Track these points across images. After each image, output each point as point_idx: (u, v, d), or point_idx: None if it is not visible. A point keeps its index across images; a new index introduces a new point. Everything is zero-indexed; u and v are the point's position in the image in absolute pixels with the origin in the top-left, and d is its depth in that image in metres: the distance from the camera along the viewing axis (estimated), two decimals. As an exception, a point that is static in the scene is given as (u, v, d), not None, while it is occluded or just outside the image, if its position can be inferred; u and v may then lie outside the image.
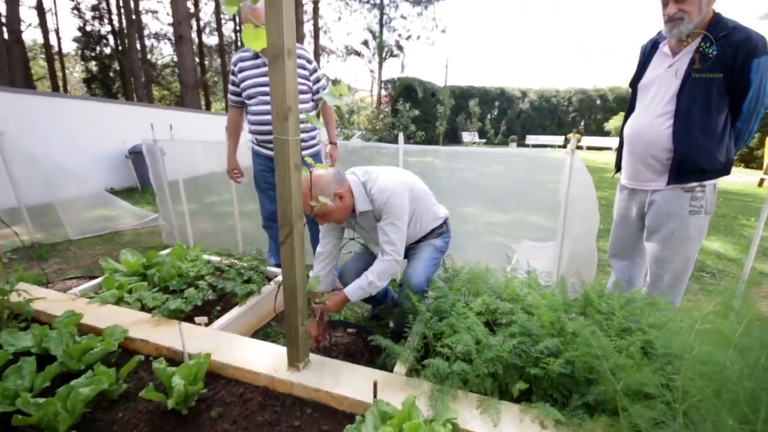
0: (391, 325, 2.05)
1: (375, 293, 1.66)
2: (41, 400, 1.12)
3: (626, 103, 1.91)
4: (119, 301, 1.90)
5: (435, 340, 1.40)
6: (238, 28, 21.53)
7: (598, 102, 19.99)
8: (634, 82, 1.80)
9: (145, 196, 5.87)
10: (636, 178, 1.76)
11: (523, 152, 3.23)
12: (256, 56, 2.20)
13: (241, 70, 2.22)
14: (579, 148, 2.33)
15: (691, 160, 1.55)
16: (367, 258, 1.89)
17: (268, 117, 2.21)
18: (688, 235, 1.63)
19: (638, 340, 1.13)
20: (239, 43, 22.09)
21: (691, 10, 1.50)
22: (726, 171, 1.58)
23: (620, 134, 1.89)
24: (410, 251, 1.85)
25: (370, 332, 1.84)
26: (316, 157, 2.43)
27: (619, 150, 1.94)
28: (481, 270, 1.75)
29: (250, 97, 2.24)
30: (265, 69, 2.19)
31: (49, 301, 1.85)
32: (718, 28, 1.48)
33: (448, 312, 1.44)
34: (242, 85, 2.23)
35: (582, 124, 20.25)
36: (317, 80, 2.33)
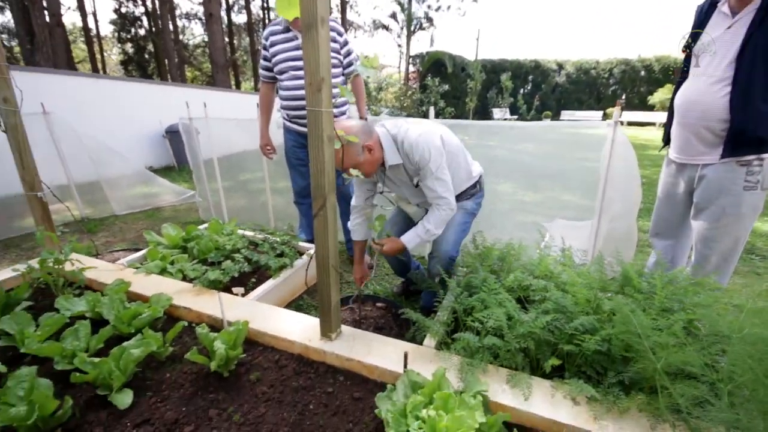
0: (421, 301, 2.07)
1: (430, 240, 1.71)
2: (96, 360, 1.22)
3: (676, 72, 1.78)
4: (163, 272, 2.01)
5: (465, 314, 1.40)
6: (265, 5, 21.44)
7: (643, 73, 18.71)
8: (688, 47, 1.66)
9: (181, 174, 6.10)
10: (686, 152, 1.65)
11: (558, 125, 3.09)
12: (287, 30, 2.19)
13: (272, 45, 2.22)
14: (620, 122, 2.18)
15: (750, 130, 1.43)
16: (401, 225, 1.94)
17: (300, 92, 2.21)
18: (741, 213, 1.53)
19: (681, 320, 1.09)
20: (267, 20, 22.03)
21: None
22: None
23: (670, 105, 1.77)
24: None
25: (399, 307, 1.87)
26: None
27: (668, 122, 1.81)
28: (514, 247, 1.73)
29: (281, 72, 2.24)
30: (297, 43, 2.18)
31: (100, 270, 1.99)
32: None
33: (479, 287, 1.43)
34: (274, 59, 2.23)
35: (623, 97, 19.07)
36: (348, 53, 2.30)
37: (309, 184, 2.44)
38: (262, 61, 2.31)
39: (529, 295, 1.42)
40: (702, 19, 1.60)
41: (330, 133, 1.18)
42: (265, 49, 2.27)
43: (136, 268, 2.02)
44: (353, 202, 1.90)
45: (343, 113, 2.41)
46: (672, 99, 1.74)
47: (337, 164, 1.44)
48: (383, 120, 1.72)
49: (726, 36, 1.48)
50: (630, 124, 16.60)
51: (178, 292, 1.75)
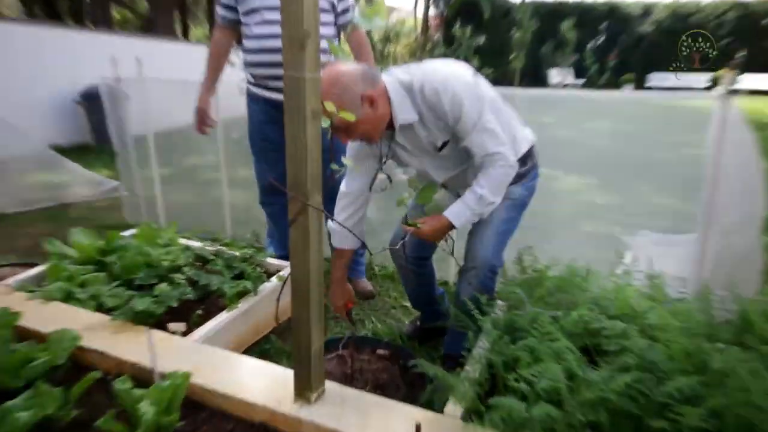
0: (444, 347, 2.07)
1: (489, 211, 1.74)
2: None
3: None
4: (68, 298, 2.01)
5: (506, 370, 1.39)
6: None
7: None
8: None
9: (101, 156, 6.16)
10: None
11: (645, 98, 3.10)
12: None
13: None
14: (735, 91, 2.16)
15: None
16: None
17: (276, 42, 2.21)
18: None
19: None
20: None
21: None
22: None
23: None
24: None
25: (410, 355, 1.86)
26: None
27: None
28: (579, 271, 1.72)
29: (249, 12, 2.27)
30: None
31: (-21, 294, 2.00)
32: None
33: (527, 330, 1.43)
34: None
35: (740, 55, 19.08)
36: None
37: (280, 178, 2.46)
38: None
39: (600, 344, 1.41)
40: None
41: (315, 107, 1.18)
42: None
43: (30, 291, 2.03)
44: (342, 187, 1.90)
45: None
46: None
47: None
48: (391, 69, 1.70)
49: None
50: (753, 93, 16.53)
51: (89, 328, 1.75)
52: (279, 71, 2.17)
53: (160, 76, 3.36)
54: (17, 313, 1.73)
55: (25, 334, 1.74)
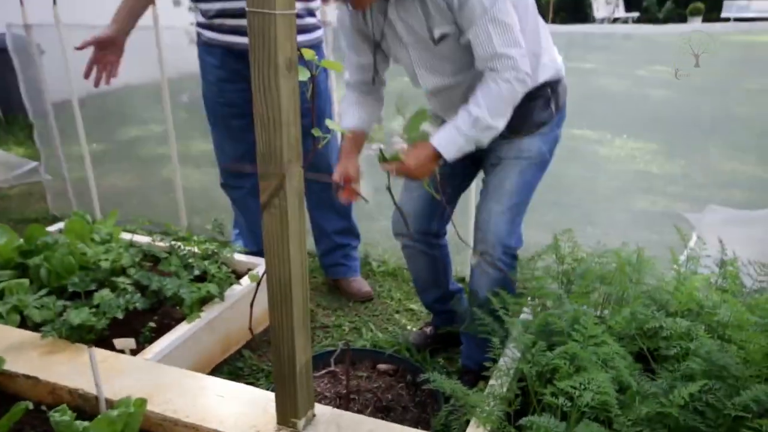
0: (461, 357, 2.13)
1: (488, 138, 1.72)
2: None
3: None
4: (-15, 312, 2.04)
5: (541, 382, 1.43)
6: None
7: None
8: None
9: (12, 129, 6.15)
10: None
11: (717, 31, 3.09)
12: None
13: None
14: None
15: None
16: (423, 203, 2.02)
17: None
18: None
19: None
20: None
21: None
22: None
23: None
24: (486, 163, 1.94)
25: (419, 370, 1.90)
26: (318, 48, 2.47)
27: None
28: (630, 256, 1.75)
29: None
30: None
31: None
32: None
33: (566, 333, 1.46)
34: None
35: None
36: None
37: (248, 154, 2.47)
38: None
39: (658, 347, 1.45)
40: None
41: (290, 56, 1.20)
42: None
43: (-63, 305, 2.06)
44: (346, 76, 1.99)
45: (311, 12, 2.42)
46: None
47: None
48: None
49: None
50: None
51: (14, 349, 1.78)
52: (241, 4, 2.18)
53: (84, 22, 3.31)
54: None
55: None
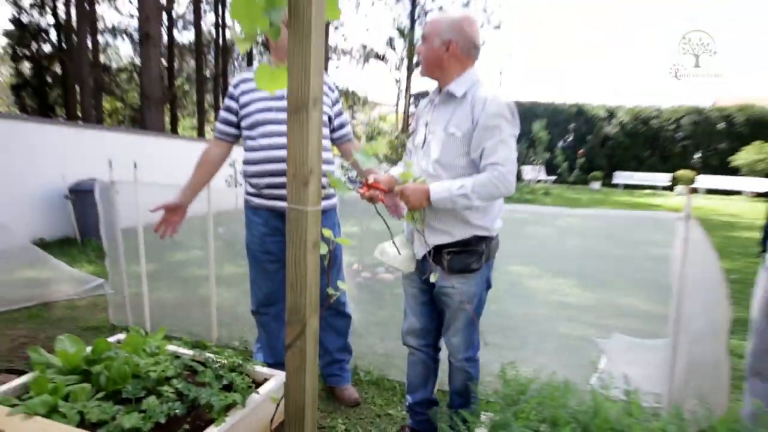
0: None
1: (462, 206, 1.85)
2: None
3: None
4: (52, 412, 1.96)
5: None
6: (222, 21, 23.04)
7: (721, 126, 20.07)
8: None
9: (85, 251, 6.15)
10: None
11: (609, 216, 3.28)
12: None
13: (244, 93, 2.38)
14: (694, 191, 2.33)
15: None
16: (431, 312, 2.15)
17: (280, 153, 2.29)
18: None
19: None
20: (221, 41, 23.58)
21: None
22: None
23: None
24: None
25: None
26: (333, 212, 2.56)
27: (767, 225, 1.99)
28: (559, 386, 1.77)
29: (253, 126, 2.35)
30: (282, 91, 2.37)
31: (-40, 407, 1.94)
32: None
33: (515, 452, 1.45)
34: (244, 110, 2.37)
35: (697, 157, 20.23)
36: (339, 113, 2.51)
37: (277, 290, 2.50)
38: (222, 113, 2.47)
39: (584, 464, 1.44)
40: None
41: (315, 238, 1.29)
42: (231, 98, 2.43)
43: (12, 406, 1.98)
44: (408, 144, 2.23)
45: (333, 206, 2.56)
46: None
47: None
48: None
49: None
50: (709, 192, 17.44)
51: (74, 446, 1.71)
52: (283, 180, 2.29)
53: (150, 171, 3.45)
54: (0, 432, 1.70)
55: (8, 455, 1.70)
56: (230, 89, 2.45)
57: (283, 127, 2.29)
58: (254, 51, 23.59)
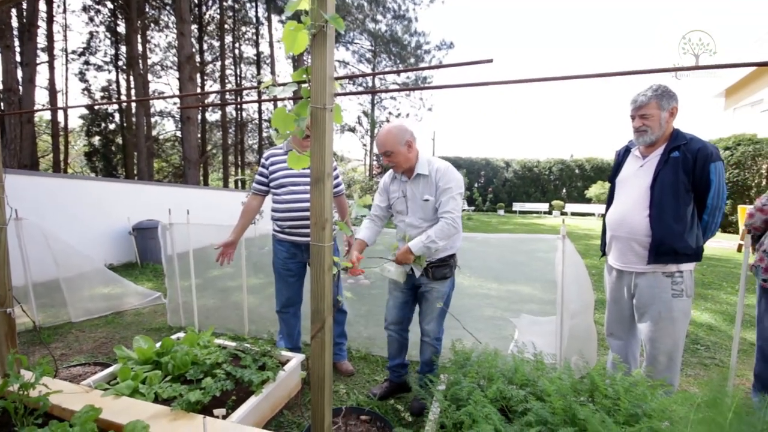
0: (411, 408, 2.11)
1: (434, 249, 1.95)
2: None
3: (606, 193, 2.18)
4: (134, 393, 1.89)
5: (455, 430, 1.44)
6: (239, 106, 22.96)
7: (577, 171, 21.14)
8: (612, 178, 2.08)
9: (144, 272, 5.89)
10: (622, 260, 1.95)
11: (511, 240, 3.40)
12: (286, 153, 2.46)
13: (273, 164, 2.45)
14: (564, 213, 2.49)
15: (667, 243, 1.76)
16: (407, 308, 2.19)
17: (297, 205, 2.36)
18: (674, 317, 1.78)
19: (645, 427, 1.22)
20: (239, 118, 23.49)
21: (652, 125, 1.81)
22: (698, 257, 1.78)
23: (603, 222, 2.12)
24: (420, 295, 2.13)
25: (385, 420, 1.87)
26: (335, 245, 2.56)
27: (603, 235, 2.15)
28: (491, 353, 1.83)
29: (280, 186, 2.40)
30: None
31: (64, 393, 1.85)
32: (678, 139, 1.79)
33: (465, 400, 1.50)
34: (273, 175, 2.43)
35: (564, 191, 21.21)
36: (335, 176, 2.57)
37: (294, 295, 2.49)
38: (258, 176, 2.50)
39: (511, 405, 1.49)
40: (620, 159, 2.05)
41: (329, 264, 1.33)
42: (263, 167, 2.48)
43: (104, 389, 1.90)
44: (371, 210, 2.20)
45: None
46: (604, 217, 2.11)
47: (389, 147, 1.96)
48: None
49: (640, 172, 1.89)
50: (573, 214, 18.30)
51: (153, 417, 1.65)
52: (300, 223, 2.35)
53: (194, 214, 3.38)
54: (99, 409, 1.63)
55: (106, 426, 1.62)
56: (262, 160, 2.50)
57: (299, 188, 2.38)
58: (262, 125, 23.70)
